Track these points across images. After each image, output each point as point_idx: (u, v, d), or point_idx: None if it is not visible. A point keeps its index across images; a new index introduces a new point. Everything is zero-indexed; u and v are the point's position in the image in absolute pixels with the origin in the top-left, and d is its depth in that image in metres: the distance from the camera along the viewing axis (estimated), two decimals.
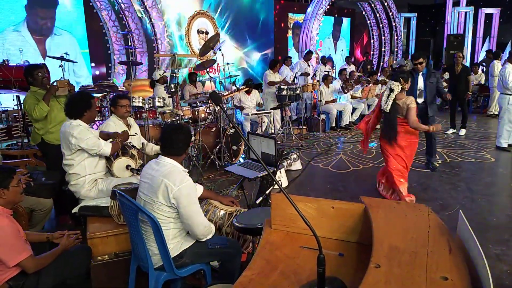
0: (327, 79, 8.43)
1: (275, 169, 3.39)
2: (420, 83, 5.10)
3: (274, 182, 3.37)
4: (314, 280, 1.36)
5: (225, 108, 6.12)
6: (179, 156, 2.42)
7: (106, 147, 3.20)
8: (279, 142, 7.10)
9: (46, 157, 4.08)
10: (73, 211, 3.12)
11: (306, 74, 8.88)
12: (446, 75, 9.68)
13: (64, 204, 3.65)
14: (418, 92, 5.06)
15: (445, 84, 8.68)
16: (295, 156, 5.63)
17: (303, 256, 1.66)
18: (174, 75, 6.03)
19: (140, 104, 5.27)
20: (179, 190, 2.25)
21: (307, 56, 9.45)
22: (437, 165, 5.51)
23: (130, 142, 3.58)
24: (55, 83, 3.84)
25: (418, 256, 1.38)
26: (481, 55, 13.71)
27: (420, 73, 5.10)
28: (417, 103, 4.74)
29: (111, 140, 3.35)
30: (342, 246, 1.75)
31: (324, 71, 9.10)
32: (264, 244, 1.73)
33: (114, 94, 5.77)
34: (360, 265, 1.60)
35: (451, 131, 7.94)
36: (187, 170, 2.50)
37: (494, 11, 13.49)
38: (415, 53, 5.30)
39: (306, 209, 1.77)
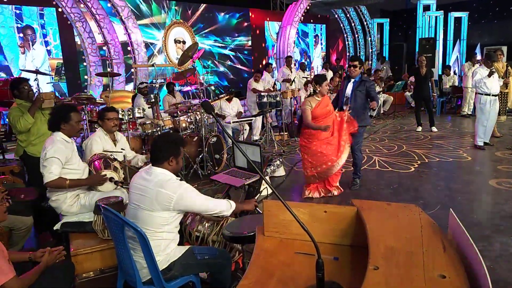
0: (308, 85, 8.51)
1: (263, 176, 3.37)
2: (348, 91, 4.80)
3: (262, 189, 3.36)
4: (313, 285, 1.34)
5: (205, 117, 6.09)
6: (165, 163, 2.37)
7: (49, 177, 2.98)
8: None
9: (28, 170, 4.04)
10: (55, 228, 3.02)
11: (288, 80, 8.91)
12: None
13: (44, 221, 3.53)
14: (344, 99, 4.82)
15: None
16: (278, 162, 5.63)
17: (298, 262, 1.65)
18: (154, 85, 5.97)
19: (120, 116, 5.18)
20: (180, 195, 2.26)
21: (288, 61, 9.48)
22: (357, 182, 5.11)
23: (111, 155, 3.50)
24: (40, 96, 3.83)
25: (414, 256, 1.39)
26: (453, 57, 14.14)
27: (352, 80, 4.80)
28: (343, 109, 4.66)
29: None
30: (336, 249, 1.75)
31: (303, 77, 9.18)
32: (259, 252, 1.71)
33: (91, 106, 5.66)
34: (355, 268, 1.59)
35: (419, 128, 8.50)
36: (180, 178, 2.47)
37: (463, 14, 13.96)
38: (352, 56, 5.17)
39: (299, 215, 1.75)
